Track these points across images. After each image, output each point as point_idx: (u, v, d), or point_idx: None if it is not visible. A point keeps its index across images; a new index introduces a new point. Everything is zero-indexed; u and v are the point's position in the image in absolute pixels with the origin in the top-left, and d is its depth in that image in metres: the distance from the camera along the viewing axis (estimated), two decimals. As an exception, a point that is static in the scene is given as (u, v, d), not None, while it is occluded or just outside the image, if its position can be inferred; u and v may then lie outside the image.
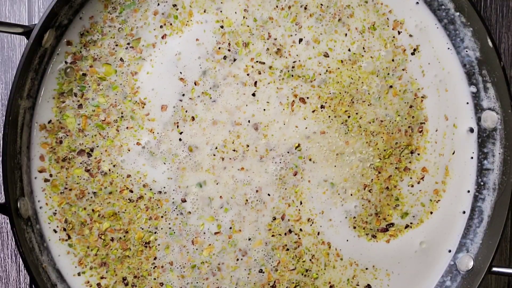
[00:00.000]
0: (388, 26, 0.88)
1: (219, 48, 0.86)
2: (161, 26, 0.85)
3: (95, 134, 0.85)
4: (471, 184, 0.90)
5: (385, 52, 0.88)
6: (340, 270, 0.88)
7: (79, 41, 0.85)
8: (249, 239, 0.87)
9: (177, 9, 0.85)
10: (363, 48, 0.87)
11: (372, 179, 0.88)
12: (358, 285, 0.89)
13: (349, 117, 0.87)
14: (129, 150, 0.85)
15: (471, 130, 0.89)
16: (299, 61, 0.86)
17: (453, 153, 0.89)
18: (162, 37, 0.85)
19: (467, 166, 0.90)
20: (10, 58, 0.94)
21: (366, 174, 0.88)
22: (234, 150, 0.86)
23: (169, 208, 0.86)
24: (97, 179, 0.85)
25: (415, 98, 0.88)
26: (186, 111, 0.85)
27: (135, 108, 0.85)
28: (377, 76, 0.88)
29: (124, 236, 0.86)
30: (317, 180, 0.87)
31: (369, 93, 0.87)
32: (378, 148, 0.88)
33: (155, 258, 0.86)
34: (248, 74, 0.86)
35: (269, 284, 0.87)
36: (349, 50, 0.87)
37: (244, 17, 0.86)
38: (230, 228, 0.87)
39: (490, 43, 0.84)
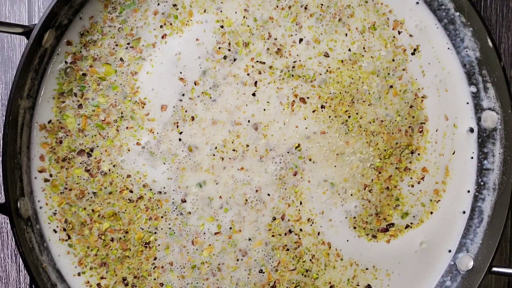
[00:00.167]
0: (388, 26, 0.88)
1: (219, 48, 0.86)
2: (161, 26, 0.85)
3: (95, 134, 0.85)
4: (471, 184, 0.90)
5: (386, 52, 0.88)
6: (340, 270, 0.88)
7: (79, 41, 0.85)
8: (249, 239, 0.87)
9: (177, 9, 0.85)
10: (364, 48, 0.87)
11: (372, 179, 0.88)
12: (358, 285, 0.89)
13: (349, 117, 0.87)
14: (129, 150, 0.85)
15: (471, 130, 0.89)
16: (300, 61, 0.86)
17: (453, 153, 0.89)
18: (162, 37, 0.85)
19: (467, 166, 0.90)
20: (10, 58, 0.94)
21: (366, 174, 0.88)
22: (233, 150, 0.86)
23: (169, 208, 0.86)
24: (97, 179, 0.85)
25: (415, 98, 0.88)
26: (186, 111, 0.85)
27: (135, 108, 0.85)
28: (377, 76, 0.88)
29: (124, 236, 0.86)
30: (317, 180, 0.87)
31: (369, 93, 0.87)
32: (378, 148, 0.88)
33: (155, 259, 0.86)
34: (248, 74, 0.86)
35: (269, 284, 0.87)
36: (349, 50, 0.87)
37: (244, 17, 0.86)
38: (230, 228, 0.87)
39: (490, 43, 0.84)
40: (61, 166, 0.85)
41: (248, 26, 0.86)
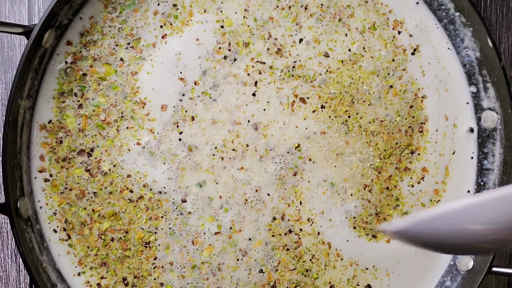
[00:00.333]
0: (388, 26, 0.88)
1: (219, 48, 0.86)
2: (161, 26, 0.85)
3: (95, 134, 0.85)
4: (471, 184, 0.90)
5: (386, 52, 0.88)
6: (340, 270, 0.88)
7: (79, 41, 0.85)
8: (249, 239, 0.87)
9: (177, 9, 0.85)
10: (364, 48, 0.87)
11: (372, 179, 0.88)
12: (358, 285, 0.89)
13: (349, 117, 0.87)
14: (129, 150, 0.85)
15: (471, 130, 0.89)
16: (300, 61, 0.86)
17: (453, 153, 0.89)
18: (162, 37, 0.85)
19: (467, 166, 0.90)
20: (10, 58, 0.94)
21: (366, 174, 0.88)
22: (233, 150, 0.86)
23: (169, 208, 0.86)
24: (97, 179, 0.85)
25: (415, 98, 0.88)
26: (186, 111, 0.85)
27: (135, 108, 0.85)
28: (377, 76, 0.88)
29: (124, 236, 0.86)
30: (317, 180, 0.87)
31: (369, 93, 0.87)
32: (378, 148, 0.88)
33: (155, 258, 0.86)
34: (248, 74, 0.86)
35: (269, 284, 0.87)
36: (349, 50, 0.87)
37: (244, 17, 0.86)
38: (230, 228, 0.87)
39: (490, 43, 0.84)
40: (61, 166, 0.85)
41: (248, 26, 0.86)
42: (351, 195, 0.88)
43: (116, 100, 0.85)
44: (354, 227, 0.88)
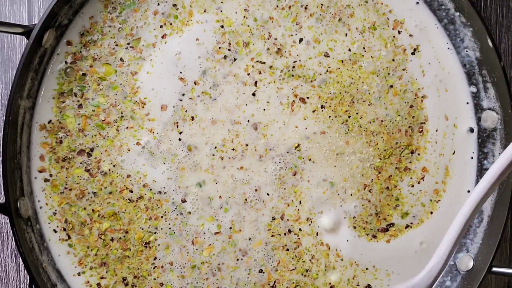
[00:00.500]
0: (388, 26, 0.88)
1: (219, 47, 0.86)
2: (161, 26, 0.85)
3: (95, 134, 0.85)
4: (471, 184, 0.90)
5: (386, 52, 0.88)
6: (340, 271, 0.88)
7: (79, 41, 0.85)
8: (249, 239, 0.87)
9: (177, 9, 0.85)
10: (364, 48, 0.87)
11: (372, 179, 0.88)
12: (358, 285, 0.89)
13: (349, 117, 0.87)
14: (129, 150, 0.85)
15: (471, 130, 0.89)
16: (300, 61, 0.86)
17: (453, 153, 0.89)
18: (162, 37, 0.85)
19: (467, 166, 0.90)
20: (10, 58, 0.94)
21: (366, 174, 0.88)
22: (233, 149, 0.86)
23: (169, 208, 0.86)
24: (97, 179, 0.85)
25: (415, 98, 0.88)
26: (186, 111, 0.85)
27: (135, 108, 0.85)
28: (377, 76, 0.88)
29: (124, 236, 0.86)
30: (317, 180, 0.87)
31: (369, 93, 0.87)
32: (378, 148, 0.88)
33: (155, 258, 0.86)
34: (248, 74, 0.86)
35: (269, 284, 0.87)
36: (349, 50, 0.87)
37: (244, 16, 0.86)
38: (230, 228, 0.87)
39: (490, 43, 0.84)
40: (61, 166, 0.85)
41: (248, 26, 0.86)
42: (351, 195, 0.88)
43: (116, 100, 0.85)
44: (354, 227, 0.88)
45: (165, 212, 0.86)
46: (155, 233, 0.86)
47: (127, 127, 0.85)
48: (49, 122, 0.84)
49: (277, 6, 0.86)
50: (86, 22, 0.85)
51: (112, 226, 0.85)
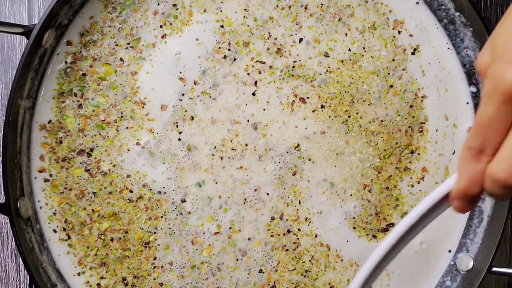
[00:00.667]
0: (388, 26, 0.88)
1: (219, 47, 0.86)
2: (161, 26, 0.85)
3: (95, 134, 0.85)
4: (471, 184, 0.90)
5: (386, 52, 0.88)
6: (340, 271, 0.88)
7: (79, 41, 0.85)
8: (249, 239, 0.87)
9: (177, 9, 0.85)
10: (364, 48, 0.87)
11: (372, 179, 0.88)
12: (358, 285, 0.89)
13: (349, 116, 0.87)
14: (128, 150, 0.85)
15: (471, 130, 0.89)
16: (300, 61, 0.86)
17: (453, 153, 0.89)
18: (162, 37, 0.85)
19: (467, 166, 0.90)
20: (10, 58, 0.94)
21: (366, 174, 0.88)
22: (232, 149, 0.86)
23: (169, 208, 0.86)
24: (97, 179, 0.85)
25: (415, 98, 0.88)
26: (186, 111, 0.85)
27: (135, 108, 0.85)
28: (377, 75, 0.88)
29: (123, 236, 0.86)
30: (317, 180, 0.87)
31: (369, 93, 0.87)
32: (378, 148, 0.88)
33: (154, 258, 0.86)
34: (248, 74, 0.86)
35: (269, 284, 0.87)
36: (349, 50, 0.87)
37: (244, 16, 0.86)
38: (230, 228, 0.87)
39: (490, 43, 0.84)
40: (61, 166, 0.85)
41: (248, 26, 0.86)
42: (351, 195, 0.88)
43: (116, 100, 0.85)
44: (354, 228, 0.88)
45: (165, 212, 0.86)
46: (154, 233, 0.86)
47: (127, 127, 0.85)
48: (49, 122, 0.84)
49: (277, 6, 0.86)
50: (86, 22, 0.85)
51: (112, 226, 0.85)
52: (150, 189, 0.85)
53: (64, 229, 0.85)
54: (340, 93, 0.87)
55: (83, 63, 0.84)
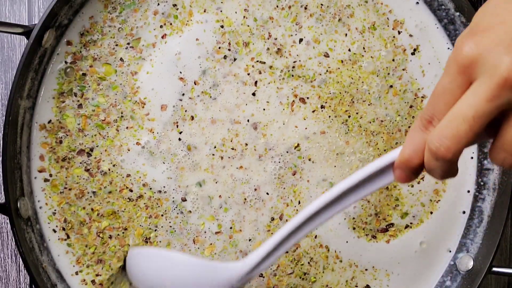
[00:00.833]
0: (388, 26, 0.88)
1: (219, 47, 0.86)
2: (161, 26, 0.85)
3: (95, 134, 0.85)
4: (471, 184, 0.90)
5: (385, 52, 0.88)
6: (339, 272, 0.88)
7: (79, 41, 0.85)
8: (249, 240, 0.87)
9: (177, 9, 0.85)
10: (363, 48, 0.87)
11: (372, 179, 0.88)
12: (357, 286, 0.89)
13: (349, 117, 0.87)
14: (128, 150, 0.85)
15: (471, 130, 0.89)
16: (300, 61, 0.86)
17: (453, 153, 0.89)
18: (162, 37, 0.85)
19: (467, 166, 0.90)
20: (10, 58, 0.94)
21: (366, 174, 0.88)
22: (232, 149, 0.86)
23: (169, 207, 0.86)
24: (97, 178, 0.85)
25: (415, 98, 0.88)
26: (186, 111, 0.85)
27: (135, 108, 0.85)
28: (377, 76, 0.88)
29: (123, 233, 0.85)
30: (316, 180, 0.87)
31: (369, 93, 0.87)
32: (378, 148, 0.88)
33: (155, 256, 0.86)
34: (248, 74, 0.86)
35: (268, 288, 0.87)
36: (349, 50, 0.87)
37: (244, 16, 0.86)
38: (231, 228, 0.86)
39: (490, 43, 0.84)
40: (61, 166, 0.85)
41: (248, 26, 0.86)
42: (351, 195, 0.88)
43: (116, 100, 0.85)
44: (354, 228, 0.88)
45: (165, 210, 0.86)
46: (155, 230, 0.86)
47: (127, 127, 0.85)
48: (49, 122, 0.84)
49: (277, 6, 0.86)
50: (86, 22, 0.85)
51: (111, 225, 0.85)
52: (150, 188, 0.85)
53: (63, 229, 0.85)
54: (340, 93, 0.87)
55: (83, 63, 0.84)
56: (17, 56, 0.94)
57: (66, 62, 0.84)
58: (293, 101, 0.86)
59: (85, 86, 0.85)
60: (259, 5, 0.86)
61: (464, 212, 0.90)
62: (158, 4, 0.85)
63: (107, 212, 0.85)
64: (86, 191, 0.85)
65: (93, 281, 0.86)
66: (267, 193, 0.86)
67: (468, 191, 0.90)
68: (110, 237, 0.86)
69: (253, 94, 0.86)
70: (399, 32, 0.88)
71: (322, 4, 0.87)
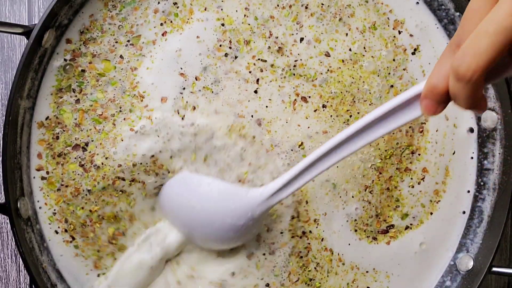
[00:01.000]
0: (388, 25, 0.88)
1: (220, 45, 0.85)
2: (161, 24, 0.85)
3: (90, 129, 0.84)
4: (471, 184, 0.90)
5: (386, 51, 0.88)
6: (341, 276, 0.88)
7: (78, 39, 0.84)
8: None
9: (177, 7, 0.85)
10: (364, 47, 0.88)
11: (373, 180, 0.88)
12: (357, 288, 0.89)
13: (350, 116, 0.87)
14: (122, 140, 0.83)
15: (471, 130, 0.89)
16: (301, 60, 0.86)
17: (453, 153, 0.89)
18: (163, 34, 0.85)
19: (467, 166, 0.90)
20: (10, 58, 0.94)
21: (367, 174, 0.88)
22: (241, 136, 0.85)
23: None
24: (91, 174, 0.83)
25: (415, 98, 0.88)
26: (187, 102, 0.84)
27: (134, 101, 0.84)
28: (378, 75, 0.88)
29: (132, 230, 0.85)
30: (320, 180, 0.86)
31: (370, 93, 0.87)
32: (379, 149, 0.88)
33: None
34: (250, 72, 0.86)
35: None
36: (350, 49, 0.87)
37: (245, 15, 0.86)
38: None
39: (490, 43, 0.84)
40: (57, 162, 0.84)
41: (249, 24, 0.86)
42: (352, 197, 0.88)
43: (115, 95, 0.84)
44: (355, 230, 0.88)
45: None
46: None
47: (124, 119, 0.84)
48: (47, 118, 0.84)
49: (278, 5, 0.86)
50: (86, 21, 0.84)
51: (118, 229, 0.85)
52: (141, 163, 0.84)
53: (66, 230, 0.85)
54: (341, 92, 0.87)
55: (83, 59, 0.84)
56: (17, 56, 0.94)
57: (65, 60, 0.84)
58: (295, 99, 0.86)
59: (84, 82, 0.84)
60: (259, 4, 0.86)
61: (464, 212, 0.90)
62: (159, 2, 0.85)
63: (107, 216, 0.84)
64: (81, 188, 0.84)
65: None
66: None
67: (468, 191, 0.90)
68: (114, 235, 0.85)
69: (255, 91, 0.85)
70: (399, 32, 0.88)
71: (322, 4, 0.87)
